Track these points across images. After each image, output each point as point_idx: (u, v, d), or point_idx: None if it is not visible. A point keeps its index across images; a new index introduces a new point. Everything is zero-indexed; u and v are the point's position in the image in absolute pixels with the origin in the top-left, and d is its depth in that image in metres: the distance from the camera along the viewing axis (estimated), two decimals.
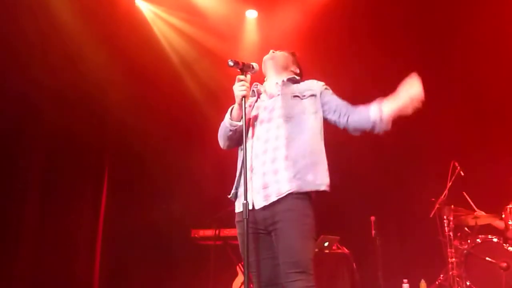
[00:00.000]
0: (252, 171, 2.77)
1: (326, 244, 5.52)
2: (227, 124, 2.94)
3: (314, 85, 2.96)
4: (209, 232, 5.78)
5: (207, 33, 7.10)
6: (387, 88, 6.43)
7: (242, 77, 2.83)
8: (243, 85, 2.80)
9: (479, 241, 5.50)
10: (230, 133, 2.92)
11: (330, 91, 2.97)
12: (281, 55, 3.10)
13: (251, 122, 2.89)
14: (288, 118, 2.80)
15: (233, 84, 2.84)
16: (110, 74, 6.51)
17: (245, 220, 2.63)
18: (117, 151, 7.07)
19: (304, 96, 2.89)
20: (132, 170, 7.05)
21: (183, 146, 7.16)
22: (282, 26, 6.79)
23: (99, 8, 6.23)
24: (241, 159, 2.87)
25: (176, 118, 7.14)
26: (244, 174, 2.69)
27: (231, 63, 2.81)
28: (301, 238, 2.63)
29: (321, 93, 2.92)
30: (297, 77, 3.07)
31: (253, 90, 3.06)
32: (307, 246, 2.66)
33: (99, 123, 6.84)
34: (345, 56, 6.52)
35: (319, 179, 2.73)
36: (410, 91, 2.82)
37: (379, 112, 2.85)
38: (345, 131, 2.97)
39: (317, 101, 2.90)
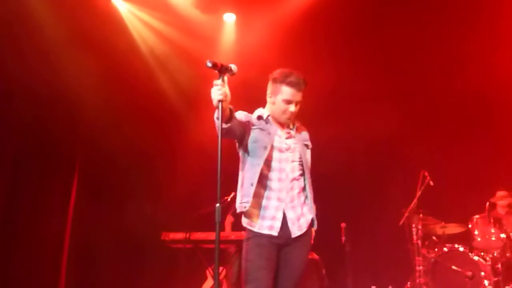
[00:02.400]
0: (280, 202, 3.12)
1: None
2: (216, 123, 2.92)
3: (308, 138, 3.36)
4: (179, 235, 5.71)
5: (185, 34, 7.06)
6: (361, 90, 6.53)
7: (218, 81, 2.82)
8: (219, 89, 2.80)
9: (446, 250, 5.60)
10: (224, 131, 2.93)
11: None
12: (297, 110, 3.21)
13: (271, 151, 3.13)
14: (306, 164, 3.25)
15: (210, 85, 2.83)
16: (84, 73, 6.41)
17: (217, 223, 2.66)
18: (88, 151, 6.95)
19: (308, 146, 3.34)
20: (102, 171, 6.94)
21: (156, 148, 7.10)
22: (259, 29, 6.80)
23: (75, 5, 6.13)
24: (256, 175, 3.09)
25: (150, 119, 7.07)
26: (219, 178, 2.72)
27: (209, 64, 2.79)
28: (307, 257, 3.26)
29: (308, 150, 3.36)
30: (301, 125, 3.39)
31: (267, 120, 3.21)
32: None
33: (71, 122, 6.73)
34: (321, 58, 6.55)
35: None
36: None
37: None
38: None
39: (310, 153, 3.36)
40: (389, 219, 6.21)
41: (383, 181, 6.84)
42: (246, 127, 3.13)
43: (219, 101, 2.79)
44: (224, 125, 2.87)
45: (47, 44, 6.04)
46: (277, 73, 3.19)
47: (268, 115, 3.23)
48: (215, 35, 7.27)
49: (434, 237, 5.91)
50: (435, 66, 6.80)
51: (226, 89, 2.84)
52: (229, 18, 7.30)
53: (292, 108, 3.14)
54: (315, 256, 5.68)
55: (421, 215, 5.82)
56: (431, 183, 5.92)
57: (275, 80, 3.18)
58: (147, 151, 6.96)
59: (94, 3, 6.42)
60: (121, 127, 6.76)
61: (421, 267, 5.61)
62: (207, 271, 5.86)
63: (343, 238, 5.79)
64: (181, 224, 5.78)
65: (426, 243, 5.85)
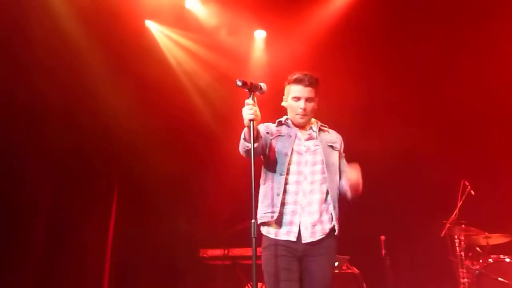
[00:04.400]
0: (296, 205, 3.07)
1: (336, 264, 5.47)
2: (243, 144, 3.03)
3: (338, 141, 3.32)
4: (218, 252, 5.75)
5: (216, 53, 7.17)
6: (395, 101, 6.47)
7: (250, 101, 2.88)
8: (251, 109, 2.86)
9: (491, 261, 5.42)
10: (246, 151, 3.03)
11: (343, 155, 3.33)
12: (312, 109, 3.23)
13: (291, 155, 3.13)
14: (328, 165, 3.15)
15: (242, 104, 2.87)
16: (119, 94, 6.57)
17: (253, 239, 2.71)
18: (126, 174, 7.09)
19: (335, 148, 3.25)
20: (140, 192, 7.06)
21: (193, 166, 7.18)
22: (290, 46, 6.85)
23: (109, 28, 6.30)
24: (282, 184, 3.08)
25: (186, 138, 7.18)
26: (255, 197, 2.76)
27: (239, 83, 2.85)
28: (332, 271, 3.15)
29: (340, 154, 3.29)
30: (325, 126, 3.35)
31: (286, 123, 3.26)
32: (331, 278, 3.12)
33: (108, 140, 6.88)
34: (352, 72, 6.54)
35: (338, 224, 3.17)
36: (350, 178, 3.12)
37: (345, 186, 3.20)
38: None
39: (337, 156, 3.26)
40: (430, 230, 6.07)
41: (423, 191, 6.71)
42: (267, 139, 3.16)
43: (250, 120, 2.84)
44: (254, 145, 2.93)
45: (83, 68, 6.22)
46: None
47: (287, 118, 3.27)
48: (246, 53, 7.35)
49: (477, 248, 5.73)
50: (473, 74, 6.66)
51: (257, 109, 2.89)
52: (260, 35, 7.38)
53: (302, 104, 3.15)
54: (355, 270, 5.60)
55: (463, 225, 5.66)
56: (472, 192, 5.77)
57: (285, 84, 3.28)
58: (182, 171, 7.03)
59: (128, 25, 6.59)
60: (156, 148, 6.87)
61: (465, 280, 5.44)
62: (246, 287, 5.87)
63: (383, 251, 5.70)
64: (219, 241, 5.82)
65: (470, 254, 5.69)
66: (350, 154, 3.32)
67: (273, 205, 3.02)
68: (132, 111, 6.74)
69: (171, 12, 6.82)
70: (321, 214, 3.07)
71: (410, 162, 6.77)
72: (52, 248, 5.97)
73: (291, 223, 3.03)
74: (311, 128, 3.25)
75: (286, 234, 3.02)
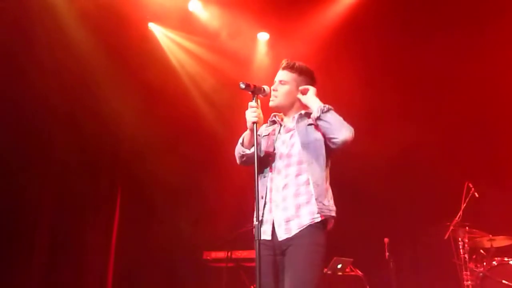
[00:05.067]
0: (271, 203, 2.93)
1: (339, 266, 5.47)
2: (239, 149, 3.04)
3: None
4: (221, 254, 5.75)
5: (219, 56, 7.19)
6: (399, 103, 6.45)
7: (253, 103, 2.89)
8: (254, 112, 2.86)
9: (495, 264, 5.40)
10: (243, 158, 3.04)
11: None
12: (284, 92, 3.08)
13: (271, 155, 3.02)
14: (307, 145, 2.94)
15: (245, 107, 2.88)
16: (122, 97, 6.59)
17: (256, 241, 2.67)
18: (130, 172, 7.11)
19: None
20: (143, 195, 7.08)
21: (196, 169, 7.18)
22: (293, 49, 6.85)
23: (113, 31, 6.33)
24: (264, 188, 2.99)
25: (190, 141, 7.18)
26: (257, 200, 2.75)
27: (242, 86, 2.85)
28: (309, 266, 2.80)
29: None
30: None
31: (273, 120, 3.18)
32: (313, 273, 2.80)
33: (111, 143, 6.90)
34: (356, 74, 6.54)
35: (332, 205, 2.93)
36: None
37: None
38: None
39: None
40: (433, 233, 6.05)
41: (427, 194, 6.69)
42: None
43: (253, 123, 2.85)
44: (248, 151, 2.97)
45: (87, 71, 6.23)
46: None
47: (275, 115, 3.19)
48: (249, 55, 7.36)
49: (481, 251, 5.72)
50: (479, 75, 6.64)
51: (260, 111, 2.89)
52: (263, 37, 7.39)
53: (274, 86, 3.08)
54: (359, 272, 5.59)
55: (467, 228, 5.65)
56: (476, 194, 5.75)
57: None
58: (185, 173, 7.04)
59: (131, 28, 6.61)
60: (159, 151, 6.88)
61: (469, 282, 5.43)
62: None
63: (387, 254, 5.67)
64: (222, 243, 5.82)
65: (474, 257, 5.67)
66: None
67: (257, 209, 2.86)
68: (136, 114, 6.76)
69: (174, 15, 6.84)
70: (298, 208, 2.86)
71: (414, 164, 6.76)
72: (55, 249, 5.98)
73: (266, 221, 2.93)
74: (294, 117, 3.09)
75: (263, 233, 2.89)
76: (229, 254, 5.69)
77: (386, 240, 5.73)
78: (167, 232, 6.85)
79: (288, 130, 3.06)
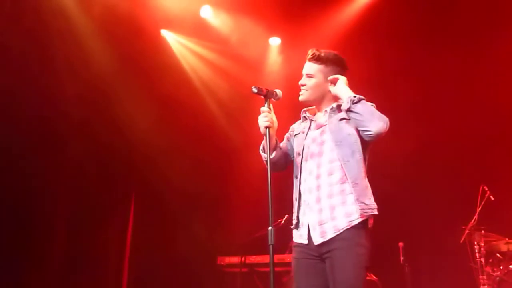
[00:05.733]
0: (305, 205, 2.85)
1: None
2: (262, 156, 2.99)
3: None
4: (235, 259, 5.75)
5: (232, 61, 7.21)
6: (413, 110, 6.42)
7: (265, 108, 2.87)
8: (266, 116, 2.83)
9: None
10: (268, 164, 2.87)
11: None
12: (312, 85, 2.95)
13: (301, 155, 2.93)
14: (340, 142, 2.80)
15: (258, 110, 2.88)
16: (137, 104, 6.63)
17: (270, 246, 2.64)
18: (144, 179, 7.14)
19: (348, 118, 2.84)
20: (157, 201, 7.10)
21: (210, 174, 7.20)
22: (305, 53, 6.84)
23: (126, 39, 6.38)
24: (296, 189, 2.92)
25: (201, 145, 7.21)
26: (270, 204, 2.70)
27: (255, 90, 2.85)
28: (354, 268, 2.68)
29: None
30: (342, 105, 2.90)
31: (304, 117, 3.08)
32: (359, 276, 2.70)
33: (126, 152, 6.93)
34: (371, 84, 6.52)
35: (372, 202, 2.80)
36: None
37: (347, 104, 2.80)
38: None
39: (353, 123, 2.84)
40: (449, 236, 6.00)
41: (441, 197, 6.63)
42: (288, 150, 3.05)
43: (266, 127, 2.82)
44: (271, 155, 2.85)
45: (102, 79, 6.26)
46: None
47: (305, 110, 3.08)
48: (261, 59, 7.38)
49: (498, 254, 5.64)
50: (494, 77, 6.58)
51: (273, 115, 2.86)
52: (275, 42, 7.41)
53: (302, 81, 2.98)
54: (373, 277, 5.55)
55: (483, 231, 5.58)
56: (492, 197, 5.69)
57: None
58: (199, 179, 7.06)
59: (144, 35, 6.65)
60: (174, 157, 6.91)
61: (486, 286, 5.36)
62: None
63: (402, 258, 5.64)
64: (236, 248, 5.82)
65: (490, 260, 5.60)
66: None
67: (293, 212, 2.92)
68: (149, 120, 6.79)
69: (186, 21, 6.87)
70: (332, 210, 2.73)
71: (429, 167, 6.71)
72: (71, 256, 6.02)
73: (302, 225, 2.84)
74: (326, 111, 2.94)
75: (299, 237, 2.85)
76: (243, 259, 5.69)
77: (400, 244, 5.69)
78: (181, 237, 6.86)
79: (319, 126, 2.93)
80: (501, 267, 5.43)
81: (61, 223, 6.10)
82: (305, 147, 2.93)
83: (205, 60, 7.35)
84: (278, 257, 5.47)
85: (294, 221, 2.91)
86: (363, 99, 2.79)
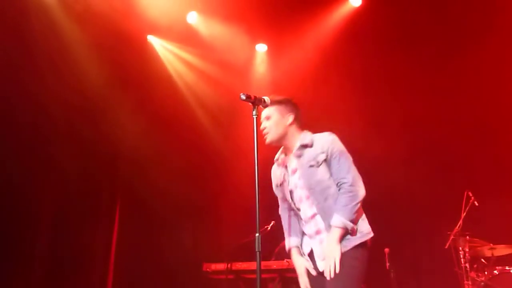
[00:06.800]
0: (312, 237, 3.04)
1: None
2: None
3: (325, 147, 3.00)
4: (221, 266, 5.72)
5: (218, 67, 7.21)
6: (397, 117, 6.44)
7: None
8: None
9: (497, 273, 5.38)
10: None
11: (337, 158, 2.99)
12: (272, 125, 3.09)
13: (293, 201, 3.11)
14: (312, 187, 2.98)
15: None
16: (123, 110, 6.60)
17: (257, 252, 2.68)
18: (130, 185, 7.08)
19: (318, 163, 2.97)
20: (144, 204, 7.04)
21: (196, 181, 7.17)
22: (291, 60, 6.88)
23: (112, 45, 6.35)
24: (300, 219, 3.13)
25: (188, 151, 7.18)
26: (257, 213, 2.73)
27: (243, 97, 2.86)
28: (346, 280, 2.88)
29: (330, 158, 2.99)
30: (307, 140, 3.06)
31: (279, 163, 3.20)
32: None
33: (111, 158, 6.89)
34: (356, 89, 6.57)
35: (364, 229, 3.02)
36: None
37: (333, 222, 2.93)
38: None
39: (324, 170, 2.99)
40: (434, 242, 6.04)
41: (426, 203, 6.68)
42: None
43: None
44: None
45: (87, 84, 6.23)
46: None
47: (276, 158, 3.23)
48: (248, 66, 7.39)
49: (482, 260, 5.69)
50: (478, 84, 6.66)
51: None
52: (261, 48, 7.43)
53: (262, 126, 3.11)
54: None
55: (467, 237, 5.63)
56: (476, 203, 5.74)
57: None
58: (185, 185, 7.03)
59: (130, 41, 6.63)
60: (160, 163, 6.87)
61: None
62: None
63: (388, 264, 5.65)
64: (222, 255, 5.79)
65: (475, 266, 5.64)
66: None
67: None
68: (135, 126, 6.75)
69: (173, 27, 6.86)
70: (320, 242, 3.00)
71: (414, 174, 6.75)
72: (56, 261, 5.95)
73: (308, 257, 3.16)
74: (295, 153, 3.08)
75: (312, 269, 3.10)
76: (229, 265, 5.66)
77: (386, 250, 5.71)
78: (167, 244, 6.82)
79: (294, 171, 3.09)
80: (486, 272, 5.48)
81: (46, 229, 6.02)
82: (292, 193, 3.10)
83: (192, 66, 7.35)
84: (264, 264, 5.45)
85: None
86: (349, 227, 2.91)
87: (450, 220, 5.85)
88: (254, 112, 2.91)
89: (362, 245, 2.93)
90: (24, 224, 5.70)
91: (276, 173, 3.20)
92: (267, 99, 2.97)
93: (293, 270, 5.25)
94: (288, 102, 3.13)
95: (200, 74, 7.33)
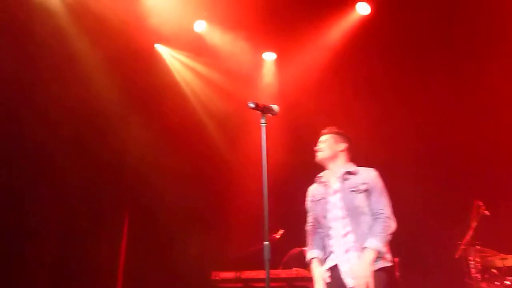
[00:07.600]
0: (339, 255, 3.33)
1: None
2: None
3: (368, 179, 3.45)
4: (229, 275, 5.69)
5: (225, 75, 7.23)
6: (405, 125, 6.40)
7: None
8: None
9: (508, 283, 5.31)
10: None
11: (378, 192, 3.46)
12: (326, 146, 3.56)
13: (327, 219, 3.42)
14: (351, 210, 3.35)
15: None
16: (129, 120, 6.61)
17: (266, 261, 2.68)
18: (137, 195, 7.09)
19: (359, 190, 3.39)
20: (152, 212, 7.05)
21: (204, 189, 7.16)
22: (299, 68, 6.88)
23: (119, 53, 6.38)
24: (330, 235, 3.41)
25: (195, 160, 7.18)
26: (266, 220, 2.72)
27: (251, 105, 2.86)
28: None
29: (372, 191, 3.43)
30: (352, 169, 3.50)
31: (320, 181, 3.57)
32: None
33: (118, 169, 6.90)
34: (363, 97, 6.55)
35: (388, 256, 3.47)
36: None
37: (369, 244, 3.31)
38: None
39: (363, 197, 3.41)
40: (444, 252, 5.98)
41: (436, 213, 6.62)
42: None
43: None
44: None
45: (93, 94, 6.26)
46: None
47: (319, 176, 3.63)
48: (255, 74, 7.40)
49: (493, 270, 5.62)
50: (485, 92, 6.62)
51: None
52: (269, 57, 7.44)
53: (317, 147, 3.55)
54: None
55: (478, 247, 5.56)
56: (486, 212, 5.68)
57: None
58: (193, 193, 7.03)
59: (138, 49, 6.66)
60: (166, 173, 6.87)
61: None
62: None
63: (397, 274, 5.60)
64: (231, 263, 5.77)
65: (486, 276, 5.57)
66: None
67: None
68: (143, 138, 6.76)
69: (180, 36, 6.89)
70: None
71: (424, 183, 6.71)
72: (64, 273, 5.95)
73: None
74: (339, 177, 3.47)
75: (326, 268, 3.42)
76: (238, 274, 5.63)
77: (396, 259, 5.66)
78: (175, 253, 6.81)
79: (335, 192, 3.44)
80: (497, 283, 5.41)
81: (53, 242, 6.03)
82: (329, 211, 3.41)
83: (199, 75, 7.37)
84: (273, 272, 5.41)
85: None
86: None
87: (461, 230, 5.79)
88: (262, 121, 2.91)
89: (387, 269, 3.36)
90: (31, 240, 5.71)
91: (315, 190, 3.59)
92: (275, 107, 2.98)
93: (301, 279, 5.26)
94: (343, 134, 3.64)
95: (208, 83, 7.35)
